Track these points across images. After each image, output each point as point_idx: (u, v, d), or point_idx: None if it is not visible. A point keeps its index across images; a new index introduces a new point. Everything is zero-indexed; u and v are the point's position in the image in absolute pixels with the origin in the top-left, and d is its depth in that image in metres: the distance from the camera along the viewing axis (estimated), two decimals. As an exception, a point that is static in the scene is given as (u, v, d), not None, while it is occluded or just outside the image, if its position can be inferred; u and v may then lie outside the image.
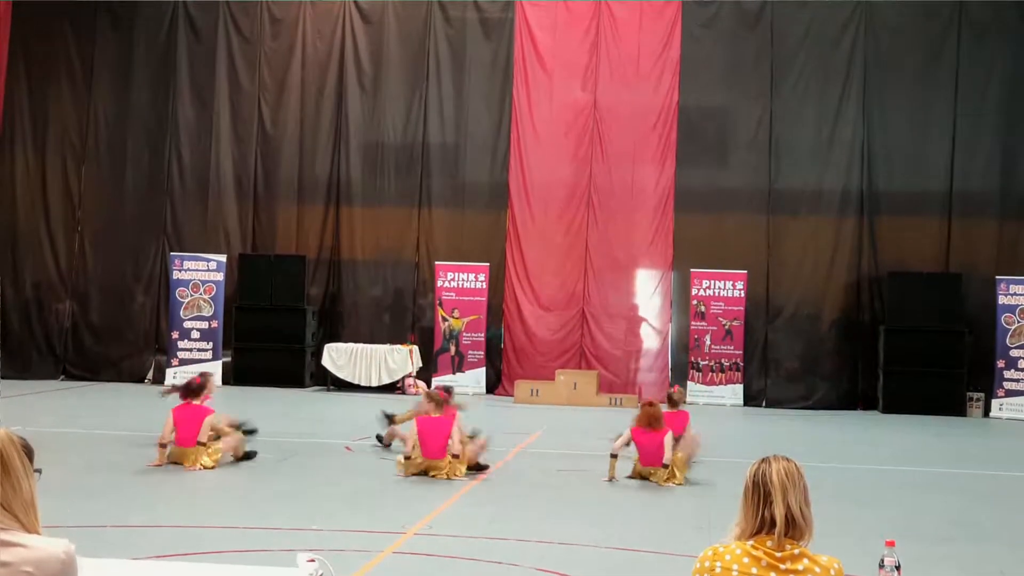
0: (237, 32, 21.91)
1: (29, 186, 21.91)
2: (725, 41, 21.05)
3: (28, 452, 3.28)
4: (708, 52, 21.01)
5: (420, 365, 20.59)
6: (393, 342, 20.35)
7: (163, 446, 11.55)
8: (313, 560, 4.70)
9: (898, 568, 4.47)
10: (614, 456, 11.47)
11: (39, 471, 3.30)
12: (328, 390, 20.31)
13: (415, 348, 20.51)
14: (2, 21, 21.86)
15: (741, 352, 20.30)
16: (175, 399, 12.12)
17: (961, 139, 20.43)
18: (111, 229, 21.76)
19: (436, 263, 20.98)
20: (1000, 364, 19.33)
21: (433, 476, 11.31)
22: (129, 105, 21.93)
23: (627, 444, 11.58)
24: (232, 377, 20.56)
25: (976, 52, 20.43)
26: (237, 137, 21.88)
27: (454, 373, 20.33)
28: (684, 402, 13.10)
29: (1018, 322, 19.34)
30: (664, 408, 12.17)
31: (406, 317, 21.47)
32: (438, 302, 20.89)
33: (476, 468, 11.63)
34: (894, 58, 20.63)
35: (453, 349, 20.67)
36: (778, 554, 3.43)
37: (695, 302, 20.40)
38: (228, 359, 20.90)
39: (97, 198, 21.95)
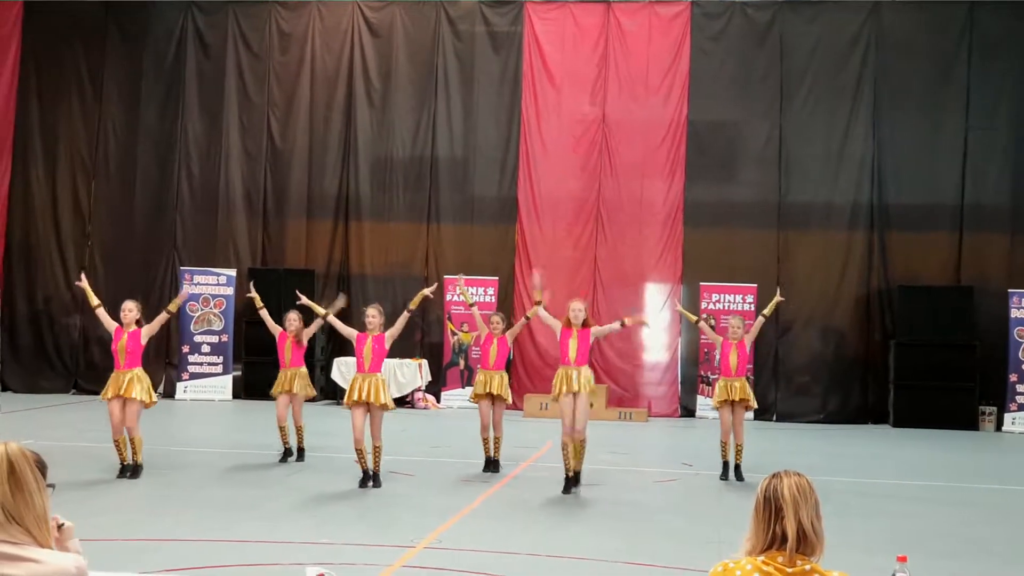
0: (246, 47, 21.99)
1: (40, 201, 21.99)
2: (734, 55, 21.07)
3: (41, 467, 3.29)
4: (717, 66, 21.03)
5: (429, 379, 20.59)
6: (402, 357, 20.32)
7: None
8: (323, 574, 4.70)
9: (910, 583, 4.44)
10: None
11: (52, 486, 3.31)
12: (338, 404, 20.29)
13: (424, 363, 20.51)
14: (13, 39, 22.00)
15: (751, 366, 20.24)
16: None
17: (972, 153, 20.40)
18: (121, 244, 21.83)
19: (445, 277, 20.99)
20: (1012, 378, 19.25)
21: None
22: (139, 121, 22.02)
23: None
24: (243, 391, 20.59)
25: (986, 66, 20.40)
26: (246, 152, 21.95)
27: (463, 387, 20.30)
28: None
29: (1029, 336, 19.29)
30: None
31: (414, 332, 21.45)
32: (447, 316, 20.90)
33: None
34: (904, 72, 20.61)
35: (462, 363, 20.67)
36: (789, 570, 3.42)
37: (704, 316, 20.35)
38: (238, 373, 20.93)
39: (107, 213, 22.02)
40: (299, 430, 13.62)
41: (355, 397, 11.76)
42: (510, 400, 13.55)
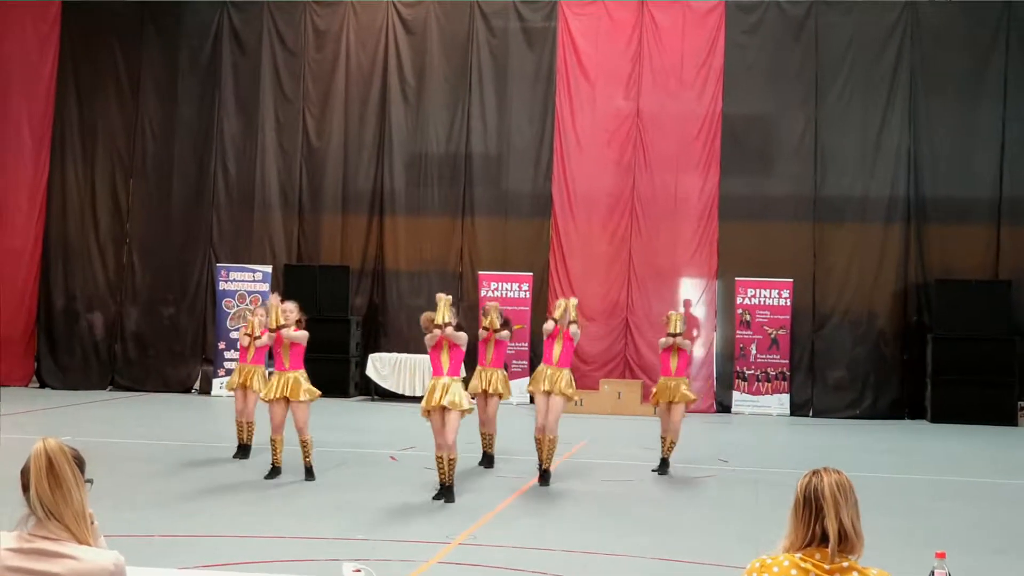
0: (281, 44, 22.08)
1: (79, 199, 22.18)
2: (769, 48, 20.95)
3: (79, 462, 3.29)
4: (752, 59, 20.92)
5: (464, 375, 20.54)
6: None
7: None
8: (359, 570, 4.71)
9: (949, 581, 4.41)
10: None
11: (90, 481, 3.32)
12: (372, 400, 20.38)
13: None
14: (52, 38, 22.21)
15: (787, 361, 20.15)
16: None
17: (1010, 145, 20.19)
18: (158, 241, 21.98)
19: (479, 273, 21.00)
20: (1052, 373, 19.07)
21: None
22: (175, 118, 22.17)
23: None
24: (277, 387, 20.66)
25: (1025, 57, 20.21)
26: (282, 149, 22.04)
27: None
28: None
29: (1069, 330, 19.06)
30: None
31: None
32: (481, 312, 20.87)
33: None
34: (940, 63, 20.43)
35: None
36: (827, 567, 3.38)
37: (740, 311, 20.29)
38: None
39: (145, 210, 22.17)
40: (249, 426, 13.35)
41: (432, 403, 11.14)
42: (509, 397, 13.41)
